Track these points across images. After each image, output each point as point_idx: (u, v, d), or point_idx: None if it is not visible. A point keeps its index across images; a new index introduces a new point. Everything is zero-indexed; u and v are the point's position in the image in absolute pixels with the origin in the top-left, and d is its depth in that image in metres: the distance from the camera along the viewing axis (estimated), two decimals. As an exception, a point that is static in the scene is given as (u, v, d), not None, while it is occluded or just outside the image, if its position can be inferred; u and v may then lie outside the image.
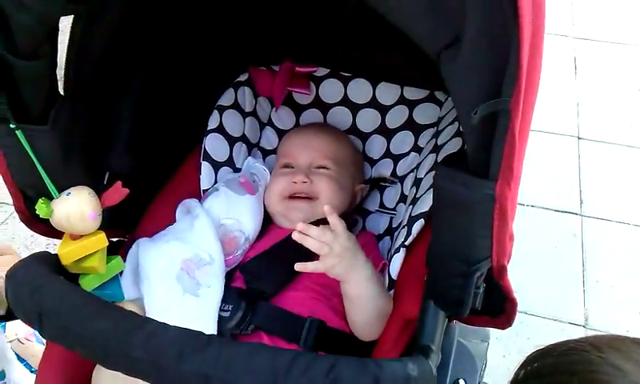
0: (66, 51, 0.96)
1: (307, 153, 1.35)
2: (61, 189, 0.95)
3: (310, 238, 1.05)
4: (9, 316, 0.92)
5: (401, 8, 0.69)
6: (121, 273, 1.06)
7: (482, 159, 0.70)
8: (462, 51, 0.66)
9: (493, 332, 1.73)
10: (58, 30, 0.91)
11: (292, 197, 1.30)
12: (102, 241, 0.97)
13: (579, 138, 2.67)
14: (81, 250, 0.95)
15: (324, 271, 1.05)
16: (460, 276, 0.79)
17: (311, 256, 1.06)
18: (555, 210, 2.37)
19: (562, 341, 0.71)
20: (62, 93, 0.97)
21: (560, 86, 2.94)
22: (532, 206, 2.37)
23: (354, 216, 1.42)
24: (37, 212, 0.93)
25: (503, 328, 0.91)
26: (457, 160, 0.77)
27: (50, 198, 0.94)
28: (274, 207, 1.32)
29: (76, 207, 0.93)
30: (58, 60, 0.92)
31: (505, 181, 0.69)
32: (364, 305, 1.07)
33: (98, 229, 0.98)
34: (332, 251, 1.04)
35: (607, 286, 2.11)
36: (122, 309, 0.84)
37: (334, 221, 1.07)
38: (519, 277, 2.02)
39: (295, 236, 1.06)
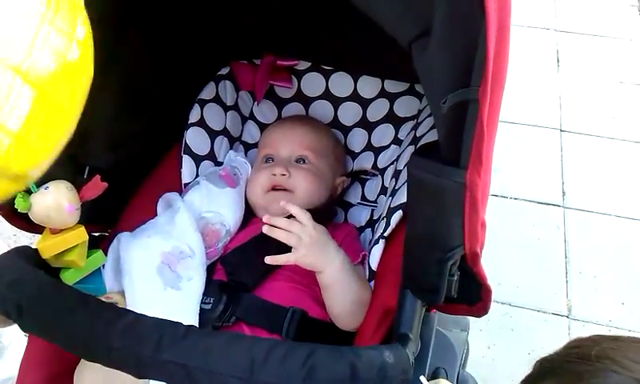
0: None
1: (287, 144, 1.36)
2: (40, 183, 0.94)
3: (278, 229, 1.10)
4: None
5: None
6: (103, 266, 1.06)
7: (453, 148, 0.71)
8: (431, 42, 0.67)
9: (477, 324, 1.75)
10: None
11: (272, 188, 1.31)
12: (81, 235, 0.97)
13: (561, 131, 2.68)
14: (60, 244, 0.95)
15: (295, 262, 1.08)
16: (434, 263, 0.80)
17: (287, 248, 1.09)
18: (538, 202, 2.39)
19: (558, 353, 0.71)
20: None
21: (542, 79, 2.95)
22: (515, 199, 2.39)
23: (334, 208, 1.43)
24: (15, 206, 0.93)
25: (479, 316, 0.92)
26: (430, 150, 0.78)
27: (29, 192, 0.94)
28: (256, 200, 1.33)
29: (53, 201, 0.93)
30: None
31: (475, 169, 0.71)
32: (340, 293, 1.09)
33: (78, 223, 0.98)
34: (301, 241, 1.08)
35: (590, 276, 2.13)
36: (101, 301, 0.85)
37: (297, 212, 1.12)
38: (503, 268, 2.07)
39: (265, 229, 1.10)
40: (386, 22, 0.71)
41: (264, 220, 1.12)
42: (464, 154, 0.70)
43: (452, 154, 0.72)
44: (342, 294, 1.09)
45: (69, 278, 0.98)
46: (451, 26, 0.64)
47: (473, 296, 0.89)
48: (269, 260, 1.09)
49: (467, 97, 0.66)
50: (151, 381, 0.96)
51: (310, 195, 1.30)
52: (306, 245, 1.08)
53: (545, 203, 2.39)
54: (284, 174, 1.30)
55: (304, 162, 1.35)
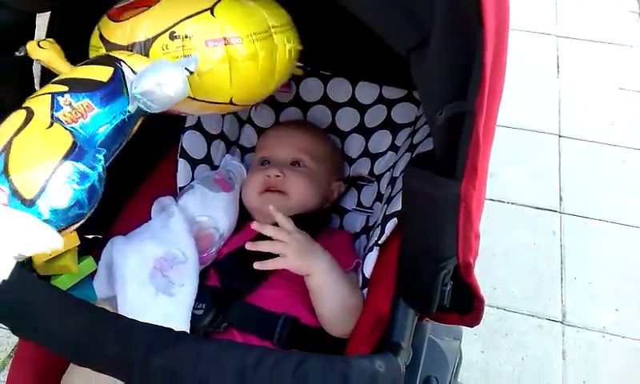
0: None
1: (284, 147, 1.36)
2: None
3: (262, 243, 1.10)
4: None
5: (370, 8, 0.71)
6: (94, 273, 1.05)
7: (448, 159, 0.71)
8: (429, 53, 0.66)
9: (471, 328, 1.75)
10: (34, 25, 0.91)
11: (266, 190, 1.30)
12: (72, 240, 0.96)
13: (560, 136, 2.68)
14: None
15: (284, 267, 1.08)
16: (427, 273, 0.80)
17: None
18: (535, 207, 2.38)
19: None
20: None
21: (542, 84, 2.95)
22: (512, 204, 2.38)
23: (329, 213, 1.43)
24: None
25: (472, 325, 0.92)
26: (425, 159, 0.78)
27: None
28: (251, 202, 1.33)
29: None
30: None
31: (469, 180, 0.70)
32: (329, 297, 1.09)
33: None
34: (288, 247, 1.08)
35: (585, 282, 2.12)
36: (94, 306, 0.84)
37: (282, 220, 1.12)
38: (498, 273, 2.07)
39: (248, 246, 1.11)
40: (385, 32, 0.71)
41: (252, 227, 1.13)
42: (459, 165, 0.70)
43: (447, 164, 0.71)
44: (331, 298, 1.09)
45: (60, 284, 0.96)
46: (449, 38, 0.64)
47: (465, 306, 0.89)
48: (257, 265, 1.09)
49: (463, 108, 0.66)
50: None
51: (305, 199, 1.30)
52: (293, 249, 1.08)
53: (542, 208, 2.38)
54: (278, 176, 1.30)
55: (299, 165, 1.34)
